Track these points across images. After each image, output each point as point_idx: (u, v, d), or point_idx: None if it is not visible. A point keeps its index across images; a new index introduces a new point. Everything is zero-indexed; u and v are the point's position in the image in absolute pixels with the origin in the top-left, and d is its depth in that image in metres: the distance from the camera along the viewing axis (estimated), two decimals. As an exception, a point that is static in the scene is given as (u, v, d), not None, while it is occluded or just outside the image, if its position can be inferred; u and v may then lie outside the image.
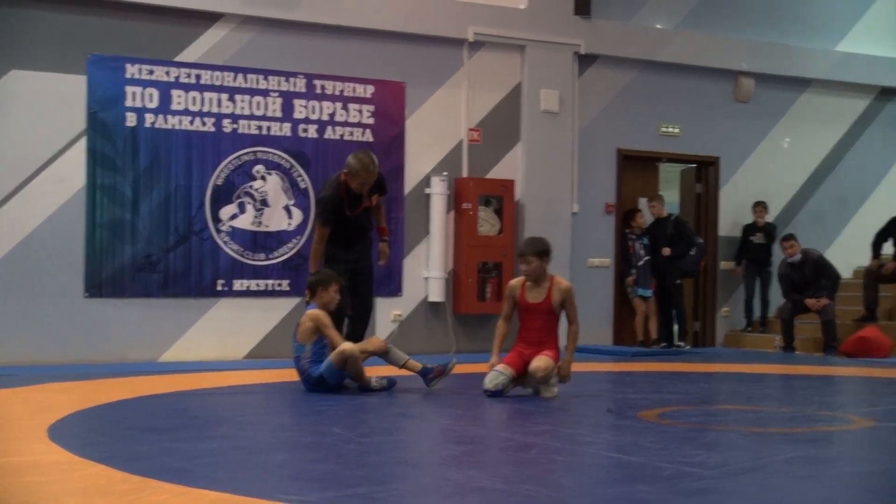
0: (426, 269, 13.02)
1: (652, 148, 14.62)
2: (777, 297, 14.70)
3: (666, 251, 13.69)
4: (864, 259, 14.55)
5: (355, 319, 9.52)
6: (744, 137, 15.32)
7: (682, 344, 13.74)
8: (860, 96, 16.23)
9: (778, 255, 14.70)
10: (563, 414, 7.52)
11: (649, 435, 6.44)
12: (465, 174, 13.26)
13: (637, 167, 14.56)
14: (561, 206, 13.71)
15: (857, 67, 15.99)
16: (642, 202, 14.48)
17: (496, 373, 8.31)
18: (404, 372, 8.77)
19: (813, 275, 13.56)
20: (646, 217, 14.20)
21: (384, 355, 8.74)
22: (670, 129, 14.69)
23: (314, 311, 8.54)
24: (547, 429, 6.89)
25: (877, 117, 16.34)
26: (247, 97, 12.21)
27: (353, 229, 9.49)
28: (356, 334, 9.39)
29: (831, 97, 15.97)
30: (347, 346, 8.35)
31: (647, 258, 13.84)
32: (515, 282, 8.67)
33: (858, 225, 15.83)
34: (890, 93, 16.41)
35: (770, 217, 15.12)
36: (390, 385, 8.63)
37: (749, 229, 14.83)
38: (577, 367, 11.24)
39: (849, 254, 15.53)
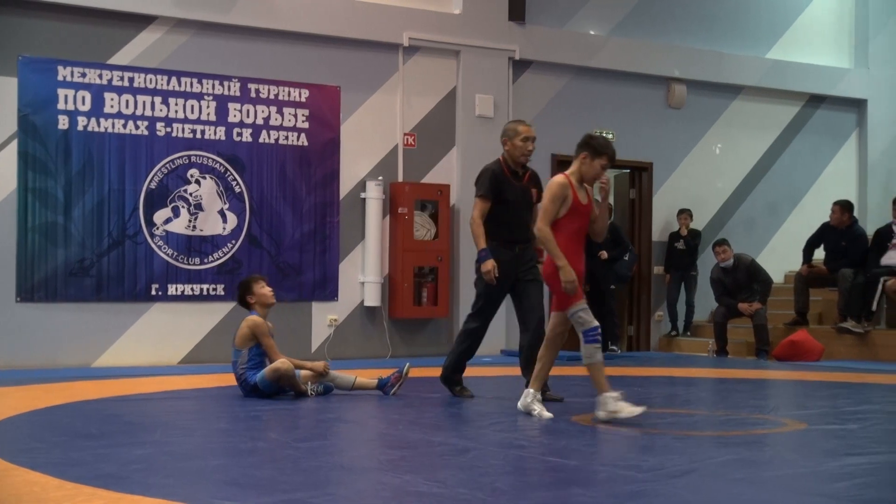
0: (362, 274, 13.01)
1: (586, 153, 14.69)
2: (701, 302, 14.87)
3: (603, 255, 13.79)
4: (795, 264, 14.74)
5: (524, 330, 8.65)
6: (676, 143, 15.47)
7: (615, 348, 13.82)
8: (790, 103, 16.46)
9: (703, 261, 14.88)
10: (499, 418, 7.54)
11: (584, 438, 6.49)
12: (400, 179, 13.27)
13: (571, 172, 14.63)
14: (496, 211, 13.73)
15: (787, 75, 16.21)
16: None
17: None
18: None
19: (745, 279, 13.71)
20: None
21: (331, 380, 8.74)
22: (604, 135, 14.79)
23: (253, 318, 8.53)
24: (483, 433, 6.92)
25: (806, 124, 16.58)
26: (181, 100, 12.12)
27: (514, 217, 8.44)
28: (527, 347, 8.46)
29: (762, 104, 16.18)
30: (283, 363, 8.34)
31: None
32: (564, 179, 7.31)
33: (789, 230, 16.05)
34: (819, 100, 16.65)
35: (702, 222, 15.30)
36: (326, 391, 8.62)
37: (674, 236, 15.01)
38: (511, 371, 11.30)
39: (780, 259, 15.74)
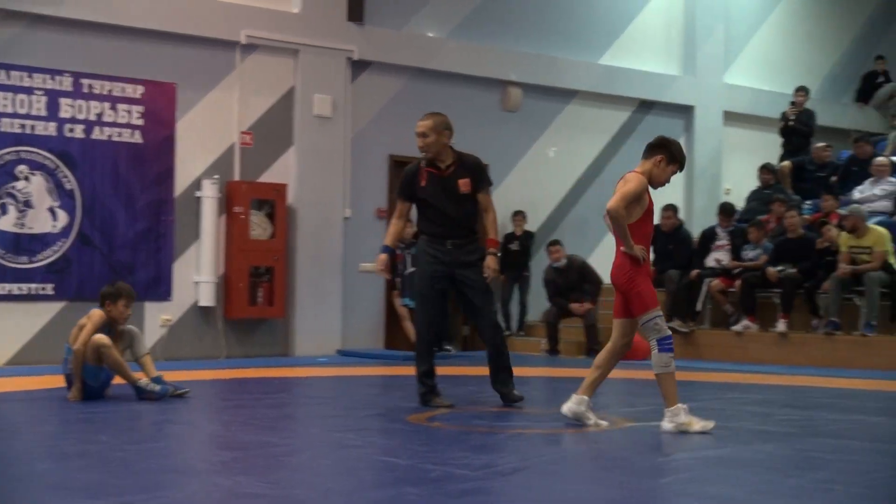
0: (196, 274, 12.85)
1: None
2: (534, 302, 15.10)
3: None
4: (625, 265, 15.09)
5: (482, 339, 8.40)
6: (512, 146, 15.68)
7: (450, 348, 13.95)
8: (621, 108, 16.84)
9: (536, 262, 15.11)
10: (332, 418, 7.57)
11: (418, 438, 6.56)
12: (236, 178, 13.15)
13: (409, 173, 14.68)
14: (333, 211, 13.75)
15: (618, 80, 16.59)
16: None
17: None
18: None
19: (577, 280, 14.00)
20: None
21: (130, 341, 8.46)
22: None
23: (93, 311, 8.32)
24: (316, 433, 6.94)
25: (637, 129, 16.98)
26: (9, 94, 11.79)
27: (435, 212, 8.11)
28: (497, 356, 8.28)
29: (595, 108, 16.51)
30: (98, 337, 8.12)
31: (413, 268, 14.00)
32: (644, 178, 7.02)
33: (620, 232, 16.38)
34: (649, 105, 17.08)
35: (536, 224, 15.55)
36: (162, 393, 8.34)
37: (508, 237, 15.22)
38: (347, 371, 11.34)
39: (610, 260, 15.98)
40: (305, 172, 13.58)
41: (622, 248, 7.05)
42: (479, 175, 8.26)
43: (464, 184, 8.12)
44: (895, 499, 4.99)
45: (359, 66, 14.19)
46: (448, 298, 8.38)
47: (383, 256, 8.24)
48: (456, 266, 8.02)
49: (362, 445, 6.30)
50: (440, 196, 8.09)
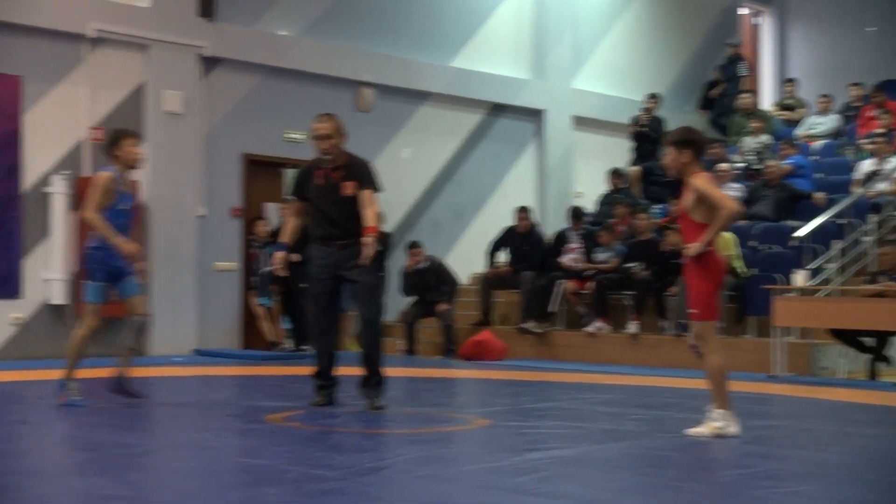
0: (47, 271, 12.50)
1: (277, 153, 14.66)
2: (391, 302, 15.10)
3: (294, 257, 13.78)
4: (480, 266, 15.23)
5: (360, 336, 8.32)
6: (365, 146, 15.53)
7: (306, 348, 13.87)
8: (474, 111, 16.95)
9: (393, 262, 15.07)
10: (189, 419, 7.47)
11: (276, 438, 6.52)
12: (87, 173, 12.85)
13: (262, 172, 14.57)
14: (187, 209, 13.53)
15: (470, 83, 16.69)
16: (270, 207, 14.50)
17: None
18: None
19: (434, 281, 14.07)
20: (274, 223, 14.24)
21: None
22: (294, 136, 14.79)
23: None
24: (173, 434, 6.84)
25: (489, 131, 17.13)
26: None
27: (318, 214, 8.05)
28: (365, 359, 8.15)
29: (448, 111, 16.60)
30: None
31: (268, 268, 13.89)
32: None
33: (474, 233, 16.54)
34: (501, 109, 17.24)
35: (392, 225, 15.55)
36: None
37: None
38: (203, 371, 11.20)
39: (465, 261, 16.18)
40: (158, 169, 13.34)
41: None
42: (366, 177, 8.07)
43: (349, 186, 7.98)
44: (736, 495, 5.14)
45: (210, 63, 13.99)
46: (339, 298, 8.29)
47: (280, 254, 8.23)
48: (341, 267, 7.95)
49: (220, 446, 6.24)
50: (326, 198, 8.00)
